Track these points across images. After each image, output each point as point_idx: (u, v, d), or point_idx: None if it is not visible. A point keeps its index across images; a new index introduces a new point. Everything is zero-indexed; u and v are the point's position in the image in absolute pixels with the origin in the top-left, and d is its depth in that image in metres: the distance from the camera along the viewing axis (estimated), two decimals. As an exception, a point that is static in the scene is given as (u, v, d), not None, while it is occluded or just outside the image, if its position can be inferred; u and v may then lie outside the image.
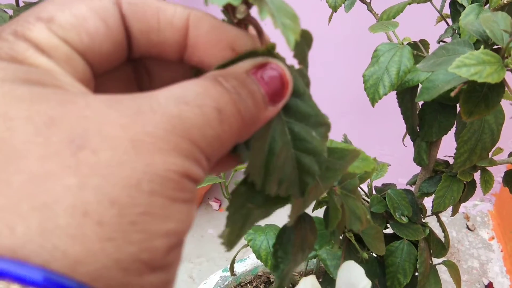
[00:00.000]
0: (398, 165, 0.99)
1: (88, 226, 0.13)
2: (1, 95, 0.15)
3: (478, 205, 1.40)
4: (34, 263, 0.13)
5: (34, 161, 0.14)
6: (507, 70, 0.34)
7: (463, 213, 1.39)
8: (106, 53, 0.18)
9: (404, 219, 0.53)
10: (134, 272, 0.14)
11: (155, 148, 0.15)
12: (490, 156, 0.61)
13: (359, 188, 0.61)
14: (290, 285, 0.79)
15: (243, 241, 0.68)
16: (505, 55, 0.31)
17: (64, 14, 0.17)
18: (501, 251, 1.26)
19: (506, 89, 0.34)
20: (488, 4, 0.49)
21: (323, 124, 0.21)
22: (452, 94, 0.33)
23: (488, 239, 1.30)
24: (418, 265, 0.54)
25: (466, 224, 1.35)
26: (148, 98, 0.16)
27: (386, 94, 0.45)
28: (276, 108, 0.19)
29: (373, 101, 0.46)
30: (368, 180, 0.59)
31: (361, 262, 0.50)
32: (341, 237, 0.53)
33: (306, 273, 0.82)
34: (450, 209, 1.49)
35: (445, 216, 1.39)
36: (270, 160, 0.19)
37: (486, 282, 1.17)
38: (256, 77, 0.18)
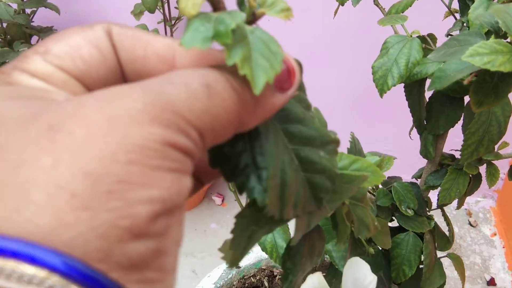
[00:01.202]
0: (402, 161, 0.99)
1: (61, 198, 0.13)
2: None
3: (480, 202, 1.40)
4: (9, 236, 0.13)
5: (14, 151, 0.14)
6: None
7: (466, 209, 1.40)
8: (104, 77, 0.19)
9: (410, 212, 0.54)
10: (114, 238, 0.14)
11: (132, 121, 0.15)
12: (496, 150, 0.61)
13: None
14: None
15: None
16: (517, 45, 0.31)
17: (59, 45, 0.18)
18: (503, 247, 1.26)
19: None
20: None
21: (330, 142, 0.21)
22: (466, 82, 0.33)
23: (490, 235, 1.31)
24: (423, 257, 0.55)
25: (468, 220, 1.36)
26: (131, 84, 0.16)
27: (394, 85, 0.46)
28: (285, 96, 0.19)
29: (382, 92, 0.46)
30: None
31: (366, 255, 0.50)
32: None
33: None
34: (453, 204, 1.49)
35: (448, 212, 1.39)
36: (284, 191, 0.19)
37: (488, 278, 1.18)
38: None
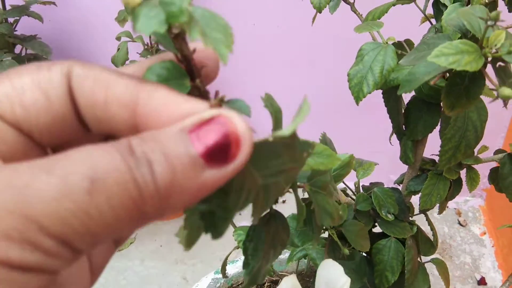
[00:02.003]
0: (390, 162, 0.99)
1: None
2: None
3: (469, 201, 1.41)
4: None
5: None
6: (488, 62, 0.34)
7: (455, 208, 1.40)
8: (48, 125, 0.17)
9: (390, 217, 0.54)
10: None
11: None
12: (476, 154, 0.61)
13: (346, 187, 0.61)
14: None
15: (234, 243, 0.68)
16: (483, 45, 0.31)
17: (3, 86, 0.17)
18: (493, 246, 1.26)
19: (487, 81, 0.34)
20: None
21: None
22: (432, 82, 0.33)
23: (480, 234, 1.31)
24: (405, 263, 0.54)
25: (458, 219, 1.36)
26: (12, 166, 0.14)
27: (370, 93, 0.46)
28: (223, 172, 0.16)
29: (357, 99, 0.46)
30: (355, 179, 0.60)
31: (343, 258, 0.50)
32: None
33: (298, 273, 0.83)
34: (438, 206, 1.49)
35: (437, 212, 1.40)
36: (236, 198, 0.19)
37: (478, 277, 1.18)
38: (192, 136, 0.16)
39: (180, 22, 0.16)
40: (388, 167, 1.07)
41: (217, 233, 0.19)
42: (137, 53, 1.19)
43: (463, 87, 0.34)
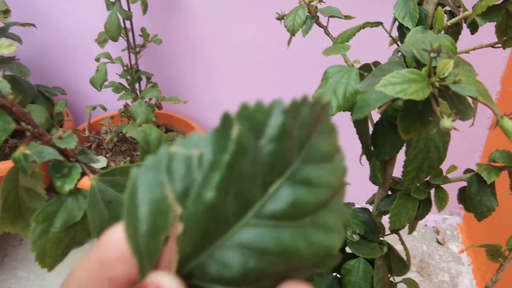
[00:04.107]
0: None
1: None
2: None
3: (447, 219, 1.42)
4: None
5: None
6: (439, 88, 0.35)
7: (433, 227, 1.41)
8: None
9: (356, 237, 0.54)
10: None
11: None
12: (444, 173, 0.62)
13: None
14: None
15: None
16: (430, 74, 0.32)
17: None
18: (471, 264, 1.27)
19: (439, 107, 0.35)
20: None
21: None
22: (379, 111, 0.34)
23: (458, 252, 1.32)
24: (375, 283, 0.55)
25: (436, 238, 1.37)
26: None
27: (333, 115, 0.46)
28: None
29: (322, 123, 0.47)
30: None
31: (312, 279, 0.50)
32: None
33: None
34: (422, 223, 1.49)
35: (416, 230, 1.41)
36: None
37: (456, 296, 1.18)
38: None
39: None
40: (367, 186, 1.08)
41: None
42: (116, 74, 1.20)
43: (416, 112, 0.35)
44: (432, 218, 1.42)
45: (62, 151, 0.30)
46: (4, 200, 0.29)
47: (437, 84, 0.31)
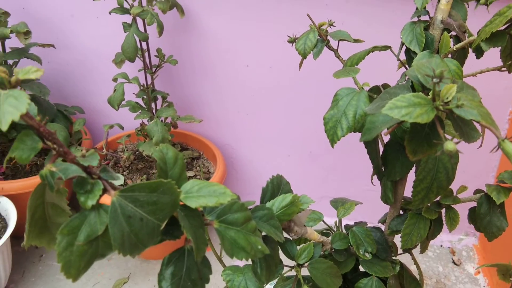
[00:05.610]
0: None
1: None
2: None
3: (463, 239, 1.41)
4: None
5: None
6: (444, 111, 0.36)
7: (449, 247, 1.40)
8: None
9: (368, 256, 0.55)
10: None
11: None
12: (455, 193, 0.63)
13: (325, 225, 0.62)
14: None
15: (223, 283, 0.68)
16: (434, 98, 0.33)
17: None
18: (487, 285, 1.26)
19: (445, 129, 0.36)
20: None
21: None
22: (384, 133, 0.35)
23: (474, 274, 1.30)
24: (386, 302, 0.55)
25: (452, 258, 1.36)
26: None
27: (344, 136, 0.48)
28: None
29: (332, 142, 0.48)
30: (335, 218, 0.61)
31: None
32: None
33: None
34: (437, 243, 1.47)
35: (431, 251, 1.39)
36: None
37: (472, 319, 1.16)
38: None
39: None
40: (380, 205, 1.08)
41: None
42: (133, 93, 1.23)
43: (424, 134, 0.36)
44: (448, 238, 1.41)
45: (85, 169, 0.32)
46: (32, 215, 0.32)
47: (441, 107, 0.32)
